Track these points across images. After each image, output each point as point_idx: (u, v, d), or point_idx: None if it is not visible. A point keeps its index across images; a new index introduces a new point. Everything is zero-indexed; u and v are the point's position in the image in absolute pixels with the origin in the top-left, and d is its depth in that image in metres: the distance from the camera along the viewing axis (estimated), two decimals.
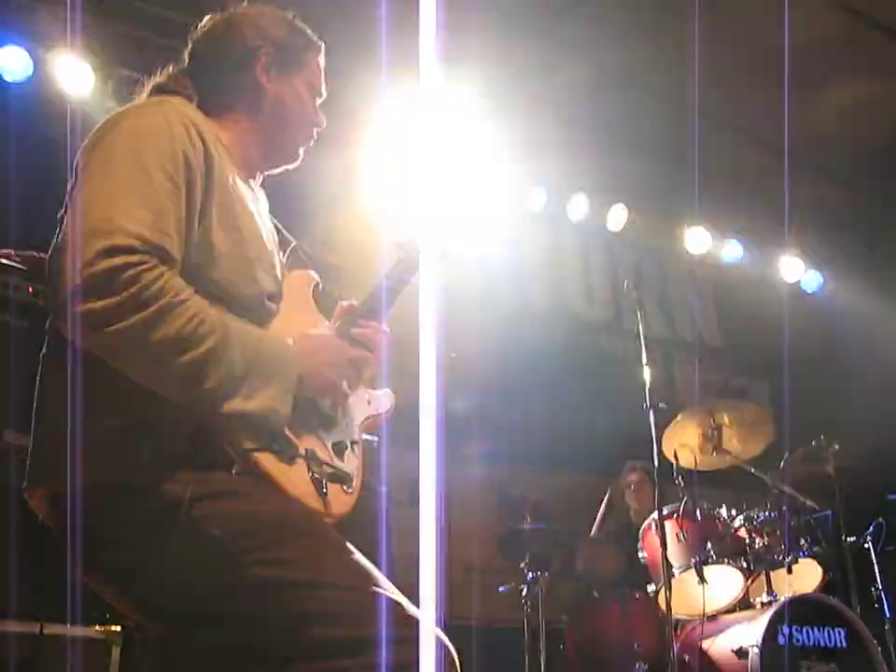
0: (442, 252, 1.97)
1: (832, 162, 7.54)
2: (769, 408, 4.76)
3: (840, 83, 6.71)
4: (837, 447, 4.71)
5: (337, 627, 1.52)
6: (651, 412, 4.02)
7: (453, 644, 1.61)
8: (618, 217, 7.33)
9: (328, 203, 5.74)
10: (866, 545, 4.88)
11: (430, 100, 2.38)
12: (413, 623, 1.57)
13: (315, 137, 2.00)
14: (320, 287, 1.96)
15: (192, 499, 1.55)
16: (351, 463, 1.81)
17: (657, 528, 4.17)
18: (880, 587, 4.62)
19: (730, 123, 6.99)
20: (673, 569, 4.22)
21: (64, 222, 1.59)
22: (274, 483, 1.61)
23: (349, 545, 1.65)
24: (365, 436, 1.96)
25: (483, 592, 4.95)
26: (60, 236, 1.59)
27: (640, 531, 4.60)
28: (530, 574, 4.48)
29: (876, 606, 4.60)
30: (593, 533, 5.08)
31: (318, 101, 2.01)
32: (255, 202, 1.86)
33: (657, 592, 4.34)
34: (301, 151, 1.99)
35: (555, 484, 5.86)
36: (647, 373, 4.08)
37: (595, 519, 5.19)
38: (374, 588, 1.57)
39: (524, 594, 4.52)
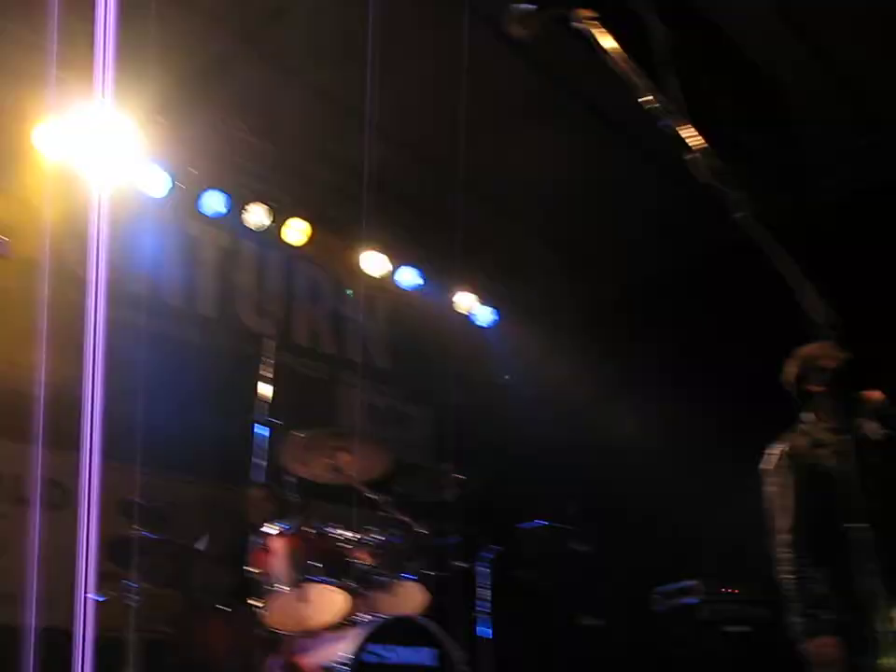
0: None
1: (522, 207, 7.93)
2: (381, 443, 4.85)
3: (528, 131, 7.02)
4: (460, 476, 4.91)
5: None
6: (269, 428, 4.01)
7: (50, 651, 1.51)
8: (297, 229, 7.32)
9: None
10: (481, 570, 5.11)
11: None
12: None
13: None
14: None
15: None
16: None
17: (267, 545, 4.15)
18: (482, 611, 4.83)
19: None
20: (278, 585, 4.22)
21: None
22: None
23: None
24: None
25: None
26: None
27: (252, 546, 4.56)
28: (136, 583, 4.31)
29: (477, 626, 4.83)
30: (206, 545, 4.97)
31: None
32: None
33: (263, 607, 4.31)
34: None
35: (175, 492, 5.70)
36: (269, 389, 4.07)
37: (212, 530, 5.10)
38: None
39: (128, 602, 4.33)
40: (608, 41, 2.11)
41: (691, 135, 1.97)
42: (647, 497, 7.21)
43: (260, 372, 4.10)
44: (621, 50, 2.14)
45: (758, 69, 6.21)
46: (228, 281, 7.28)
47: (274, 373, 4.13)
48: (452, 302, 8.40)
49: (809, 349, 3.73)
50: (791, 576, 3.37)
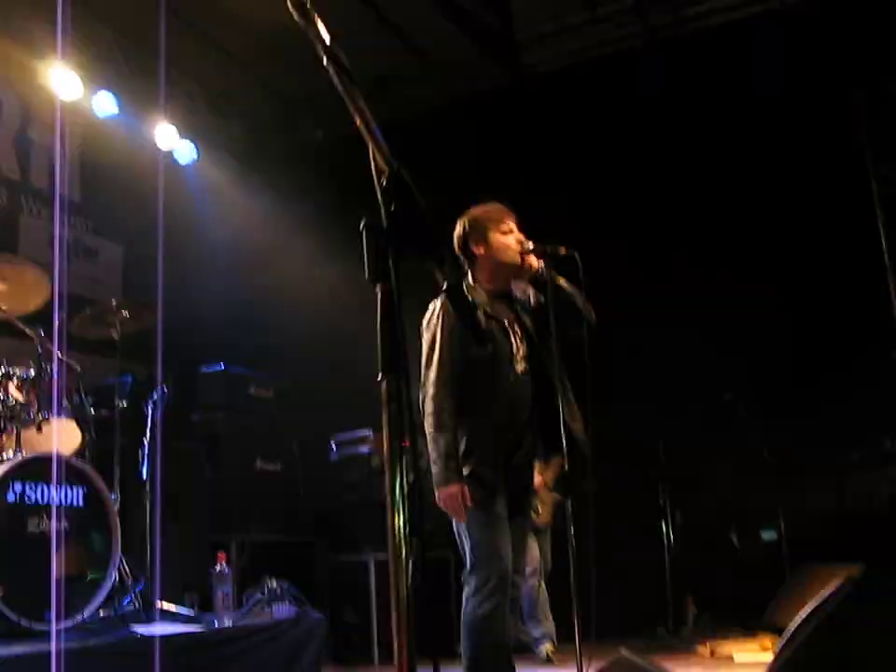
0: None
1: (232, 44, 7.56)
2: (44, 271, 4.57)
3: None
4: (126, 314, 4.73)
5: None
6: None
7: None
8: None
9: None
10: (147, 409, 5.00)
11: None
12: None
13: None
14: None
15: None
16: None
17: None
18: (146, 451, 4.75)
19: None
20: None
21: None
22: None
23: None
24: None
25: None
26: None
27: None
28: None
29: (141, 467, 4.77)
30: None
31: None
32: None
33: None
34: None
35: None
36: None
37: None
38: None
39: None
40: None
41: None
42: (328, 347, 7.38)
43: None
44: None
45: None
46: None
47: None
48: (150, 134, 7.94)
49: (480, 210, 3.86)
50: (431, 429, 3.54)
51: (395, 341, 1.44)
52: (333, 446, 7.00)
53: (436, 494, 3.49)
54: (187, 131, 8.22)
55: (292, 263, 7.71)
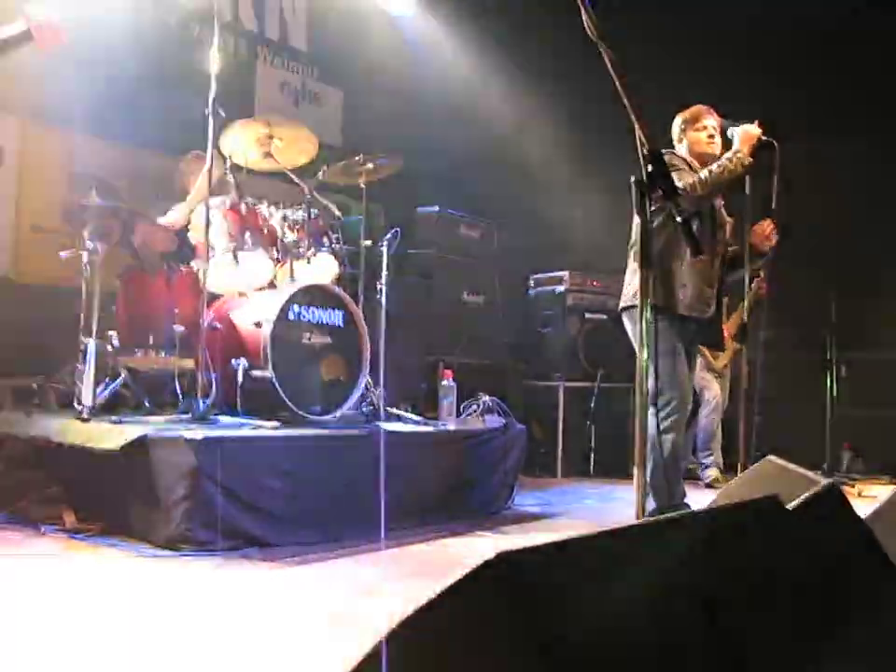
0: None
1: None
2: (312, 132, 5.40)
3: None
4: (371, 165, 5.54)
5: None
6: (211, 117, 4.50)
7: None
8: None
9: None
10: (382, 248, 5.87)
11: None
12: None
13: None
14: None
15: None
16: None
17: (206, 216, 4.80)
18: (383, 282, 5.62)
19: None
20: (215, 251, 4.92)
21: None
22: None
23: None
24: None
25: (50, 255, 5.26)
26: None
27: (190, 214, 5.23)
28: (90, 243, 4.94)
29: (378, 296, 5.67)
30: (151, 212, 5.58)
31: None
32: None
33: (199, 269, 5.04)
34: None
35: (125, 160, 6.19)
36: (213, 84, 4.51)
37: (156, 196, 5.71)
38: None
39: (84, 259, 5.00)
40: None
41: None
42: (530, 198, 8.10)
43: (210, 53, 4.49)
44: None
45: None
46: None
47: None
48: None
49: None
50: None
51: (647, 251, 2.16)
52: (531, 283, 7.82)
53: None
54: None
55: (503, 120, 8.34)
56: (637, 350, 4.45)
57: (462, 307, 7.47)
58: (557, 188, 8.09)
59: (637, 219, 4.47)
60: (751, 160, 4.29)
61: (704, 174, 4.32)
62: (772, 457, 3.22)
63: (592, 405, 7.29)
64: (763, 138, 4.34)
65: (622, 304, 4.66)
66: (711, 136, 4.60)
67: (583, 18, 2.25)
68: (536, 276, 7.82)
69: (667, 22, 7.59)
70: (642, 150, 2.15)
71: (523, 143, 8.28)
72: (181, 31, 7.00)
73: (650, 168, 2.12)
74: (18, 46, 2.49)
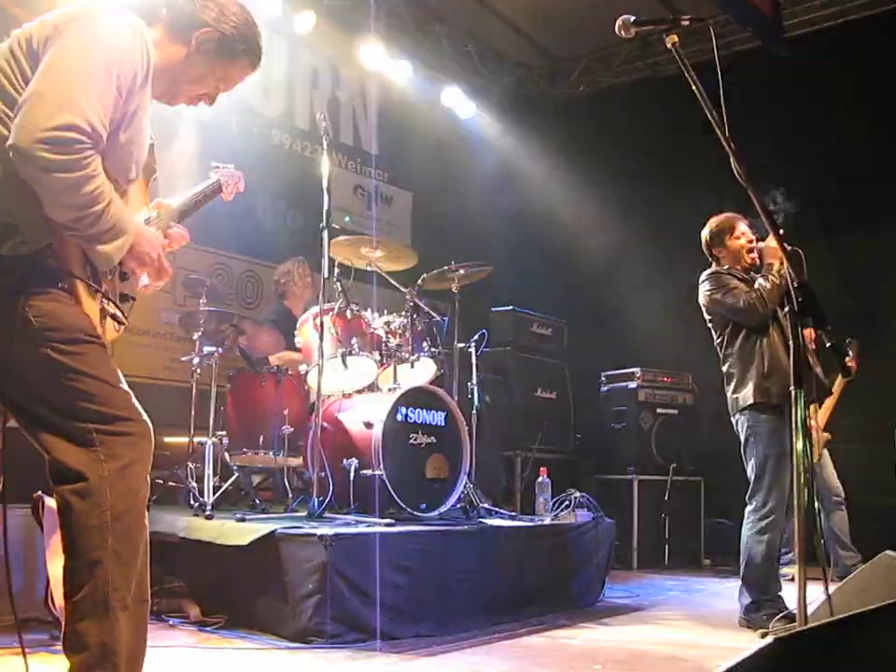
0: None
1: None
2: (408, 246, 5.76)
3: None
4: (462, 272, 5.87)
5: (97, 405, 2.24)
6: (325, 231, 4.85)
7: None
8: (306, 20, 7.84)
9: None
10: (470, 349, 6.16)
11: None
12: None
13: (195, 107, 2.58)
14: (155, 179, 2.58)
15: (28, 293, 2.17)
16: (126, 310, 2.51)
17: (315, 320, 5.12)
18: (474, 383, 5.90)
19: None
20: (324, 356, 5.20)
21: (38, 72, 2.12)
22: (79, 301, 2.27)
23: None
24: None
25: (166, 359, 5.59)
26: (34, 85, 2.11)
27: (299, 321, 5.55)
28: (204, 347, 5.27)
29: (469, 396, 5.94)
30: (256, 317, 5.92)
31: (219, 94, 2.56)
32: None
33: (307, 372, 5.33)
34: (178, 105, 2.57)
35: (231, 269, 6.57)
36: (325, 199, 4.87)
37: (260, 303, 6.05)
38: (122, 387, 2.33)
39: (195, 362, 5.32)
40: None
41: None
42: (603, 294, 8.42)
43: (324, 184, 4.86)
44: None
45: None
46: None
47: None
48: (437, 95, 9.14)
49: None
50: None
51: (799, 371, 2.41)
52: (603, 379, 8.07)
53: None
54: (466, 89, 9.36)
55: (572, 217, 8.72)
56: (743, 451, 4.70)
57: (536, 402, 7.71)
58: (625, 287, 8.41)
59: (729, 326, 4.76)
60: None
61: (756, 295, 4.56)
62: (889, 552, 3.41)
63: (666, 497, 7.45)
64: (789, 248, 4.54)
65: (741, 404, 4.71)
66: (751, 242, 4.82)
67: (732, 162, 2.54)
68: (607, 373, 8.06)
69: None
70: (792, 284, 2.41)
71: (592, 246, 8.63)
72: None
73: (800, 299, 2.38)
74: (211, 199, 2.79)
